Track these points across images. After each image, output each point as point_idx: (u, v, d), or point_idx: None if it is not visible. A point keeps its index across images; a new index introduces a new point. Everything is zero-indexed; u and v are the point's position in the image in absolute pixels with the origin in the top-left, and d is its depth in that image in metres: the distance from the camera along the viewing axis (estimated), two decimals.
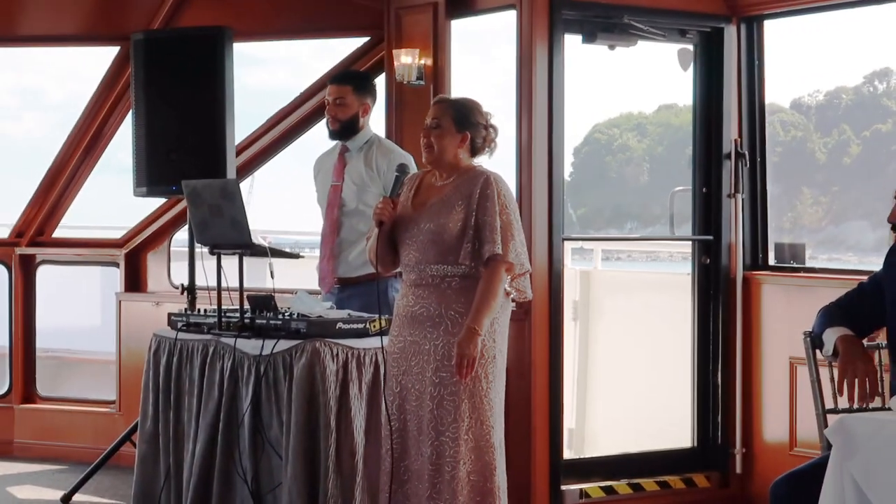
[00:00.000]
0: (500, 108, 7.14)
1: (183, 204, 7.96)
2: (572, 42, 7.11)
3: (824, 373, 5.04)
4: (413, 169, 6.21)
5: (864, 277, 6.60)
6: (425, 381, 5.47)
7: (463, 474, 5.43)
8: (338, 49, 8.62)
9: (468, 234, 5.44)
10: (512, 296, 5.57)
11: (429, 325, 5.48)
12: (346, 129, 6.80)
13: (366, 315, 6.08)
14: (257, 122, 8.71)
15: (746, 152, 7.47)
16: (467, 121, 5.55)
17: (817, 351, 5.03)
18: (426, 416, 5.45)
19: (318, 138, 7.00)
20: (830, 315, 4.78)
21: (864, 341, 4.96)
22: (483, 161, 5.65)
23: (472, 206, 5.44)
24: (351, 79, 6.96)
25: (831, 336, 4.70)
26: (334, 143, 6.92)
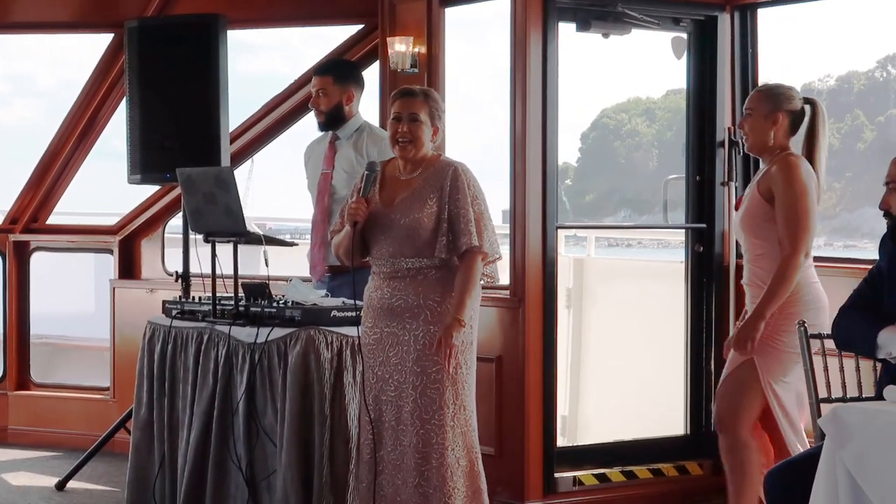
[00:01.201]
0: (495, 95, 7.15)
1: (177, 191, 7.96)
2: (571, 29, 7.11)
3: (817, 362, 5.06)
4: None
5: (854, 266, 6.67)
6: (405, 372, 5.52)
7: (452, 460, 5.48)
8: (329, 35, 8.63)
9: (442, 227, 5.50)
10: (483, 282, 5.63)
11: (408, 317, 5.53)
12: (331, 119, 6.83)
13: (360, 303, 6.09)
14: (249, 108, 8.71)
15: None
16: (437, 114, 5.62)
17: (811, 341, 5.04)
18: (407, 406, 5.50)
19: (313, 126, 7.02)
20: (860, 317, 4.70)
21: None
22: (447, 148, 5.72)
23: (445, 199, 5.51)
24: (332, 69, 6.99)
25: (893, 337, 4.62)
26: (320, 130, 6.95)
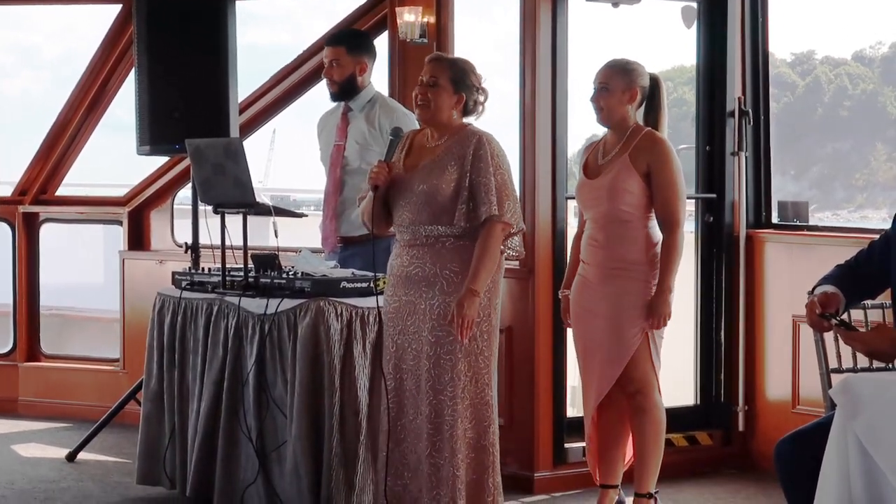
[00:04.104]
0: (501, 65, 7.11)
1: (186, 162, 7.96)
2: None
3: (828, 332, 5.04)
4: (414, 128, 6.21)
5: (865, 235, 6.65)
6: (422, 341, 5.51)
7: (460, 432, 5.47)
8: (333, 7, 8.59)
9: (462, 196, 5.46)
10: (506, 254, 5.60)
11: (424, 286, 5.51)
12: (344, 90, 6.79)
13: (369, 274, 6.09)
14: (251, 78, 8.66)
15: (750, 110, 7.46)
16: (464, 82, 5.56)
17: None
18: (424, 376, 5.50)
19: (321, 97, 7.00)
20: (835, 274, 4.77)
21: (869, 301, 4.97)
22: (472, 122, 5.67)
23: (466, 168, 5.46)
24: (344, 39, 6.94)
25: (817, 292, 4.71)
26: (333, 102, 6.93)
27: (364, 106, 6.80)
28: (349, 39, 6.93)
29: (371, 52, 6.91)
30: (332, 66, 6.79)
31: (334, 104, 6.94)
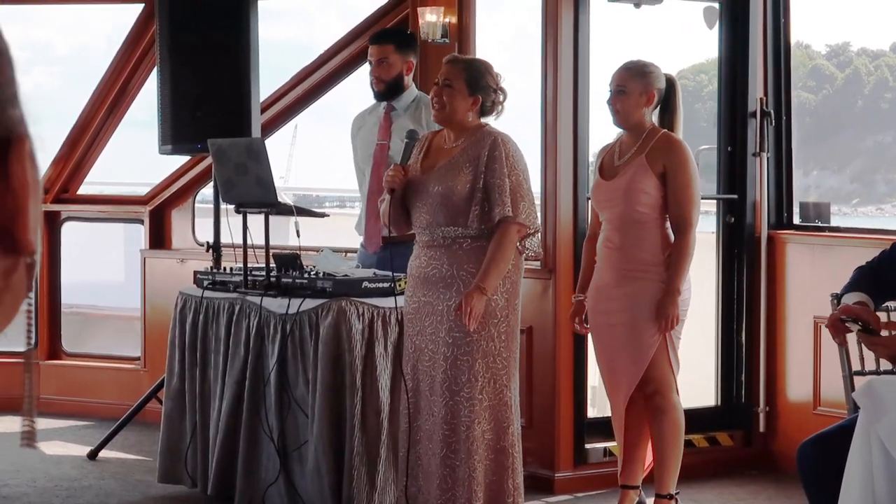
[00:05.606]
0: (520, 64, 7.11)
1: (208, 161, 7.98)
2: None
3: (851, 334, 5.03)
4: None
5: (886, 237, 6.65)
6: (439, 342, 5.51)
7: (478, 433, 5.46)
8: (345, 3, 8.60)
9: (476, 197, 5.45)
10: (525, 254, 5.59)
11: (441, 286, 5.51)
12: (391, 89, 6.76)
13: (397, 275, 6.08)
14: (266, 74, 8.64)
15: (772, 111, 7.45)
16: (479, 84, 5.55)
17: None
18: (439, 377, 5.50)
19: (342, 97, 6.99)
20: (858, 279, 4.76)
21: (892, 303, 4.96)
22: (490, 122, 5.67)
23: (481, 169, 5.46)
24: (391, 37, 6.92)
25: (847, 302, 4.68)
26: (375, 101, 6.89)
27: (409, 105, 6.77)
28: (397, 37, 6.91)
29: (417, 50, 6.92)
30: (380, 64, 6.76)
31: (373, 104, 6.90)
